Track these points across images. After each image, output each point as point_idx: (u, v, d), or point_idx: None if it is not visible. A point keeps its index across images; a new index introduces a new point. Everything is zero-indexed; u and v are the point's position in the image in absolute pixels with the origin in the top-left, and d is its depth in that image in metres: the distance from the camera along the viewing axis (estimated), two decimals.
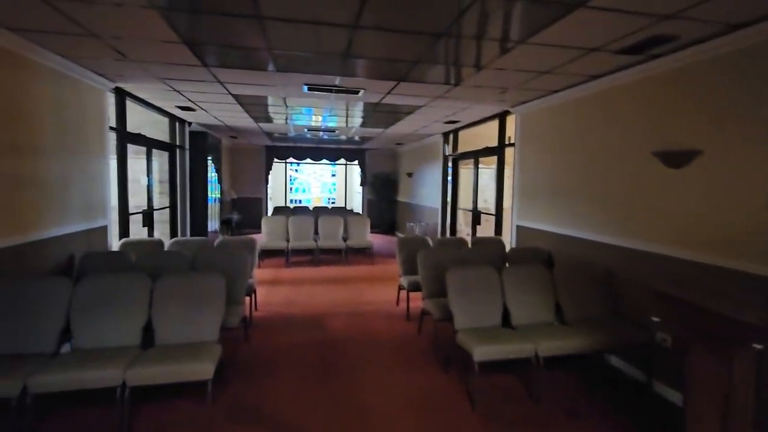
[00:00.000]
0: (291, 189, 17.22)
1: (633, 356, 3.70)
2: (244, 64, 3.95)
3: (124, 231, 5.33)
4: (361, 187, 14.02)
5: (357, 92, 4.90)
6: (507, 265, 5.13)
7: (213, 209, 9.18)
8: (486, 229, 7.19)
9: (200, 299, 3.18)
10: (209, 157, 8.67)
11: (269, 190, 14.36)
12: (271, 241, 8.08)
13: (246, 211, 12.61)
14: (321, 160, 13.25)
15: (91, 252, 4.10)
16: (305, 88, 4.76)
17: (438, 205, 9.02)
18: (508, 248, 5.55)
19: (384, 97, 5.24)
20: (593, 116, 4.22)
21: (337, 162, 14.10)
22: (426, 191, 10.02)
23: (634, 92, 3.71)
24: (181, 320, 3.10)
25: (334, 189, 17.74)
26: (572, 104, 4.53)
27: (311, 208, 11.50)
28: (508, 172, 6.15)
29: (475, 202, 7.34)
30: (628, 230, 3.76)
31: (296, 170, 17.34)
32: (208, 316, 3.14)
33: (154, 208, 6.50)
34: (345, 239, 8.59)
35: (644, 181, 3.60)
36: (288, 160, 14.19)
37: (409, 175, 11.39)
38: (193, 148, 7.91)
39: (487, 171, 8.56)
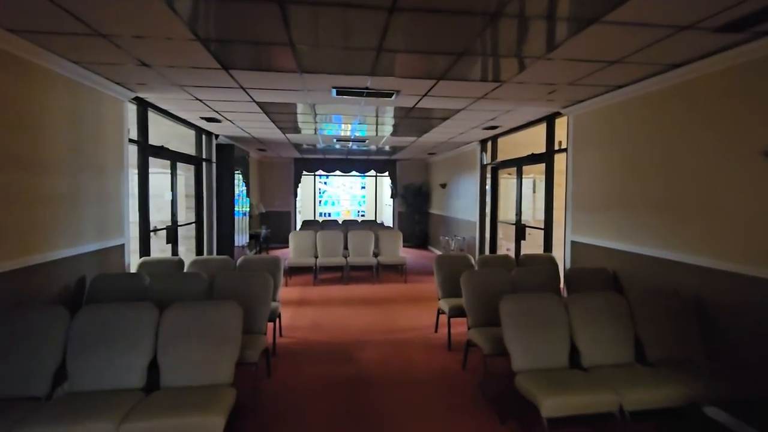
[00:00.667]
0: (320, 202, 16.98)
1: (741, 409, 2.96)
2: (266, 65, 3.56)
3: (144, 249, 5.03)
4: (391, 200, 13.55)
5: (390, 95, 4.43)
6: (564, 287, 4.47)
7: (242, 223, 8.93)
8: (531, 245, 6.52)
9: (214, 334, 2.73)
10: (237, 170, 8.43)
11: (298, 204, 14.12)
12: (299, 258, 7.68)
13: (275, 225, 12.37)
14: (350, 172, 12.89)
15: (102, 274, 3.76)
16: (334, 92, 4.33)
17: (475, 218, 8.39)
18: (561, 267, 4.88)
19: (420, 100, 4.75)
20: (670, 112, 3.56)
21: (366, 174, 13.71)
22: (461, 203, 9.42)
23: (730, 80, 3.05)
24: (190, 359, 2.65)
25: (364, 201, 17.36)
26: (640, 101, 3.88)
27: (340, 222, 11.10)
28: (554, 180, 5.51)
29: (518, 214, 6.68)
30: (722, 248, 3.06)
31: (325, 183, 17.10)
32: (221, 355, 2.69)
33: (179, 223, 6.22)
34: (376, 255, 8.10)
35: (746, 188, 2.91)
36: (317, 173, 13.93)
37: (443, 186, 10.83)
38: (219, 161, 7.67)
39: (525, 181, 7.90)
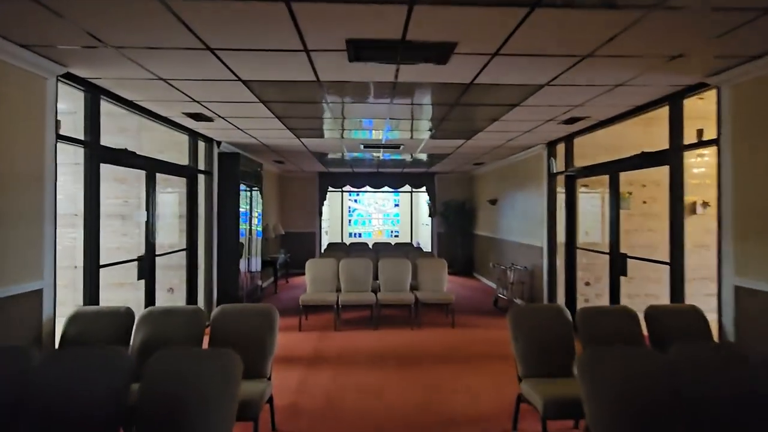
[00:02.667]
0: (350, 221, 15.49)
1: None
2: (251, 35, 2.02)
3: (91, 292, 3.57)
4: (429, 219, 11.83)
5: (444, 53, 2.77)
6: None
7: (255, 246, 7.48)
8: (636, 284, 4.61)
9: None
10: (249, 186, 7.02)
11: (324, 224, 12.67)
12: (317, 293, 6.06)
13: (297, 248, 10.88)
14: (382, 187, 11.32)
15: None
16: (348, 55, 2.76)
17: (541, 241, 6.53)
18: (711, 328, 3.01)
19: (488, 63, 3.07)
20: None
21: (400, 190, 12.09)
22: (520, 223, 7.56)
23: None
24: None
25: (398, 221, 15.71)
26: None
27: (371, 246, 9.48)
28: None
29: (615, 240, 4.80)
30: None
31: (356, 200, 15.63)
32: None
33: (160, 252, 4.79)
34: (414, 288, 6.38)
35: None
36: (344, 189, 12.44)
37: (492, 202, 9.01)
38: (222, 174, 6.27)
39: (587, 196, 6.05)
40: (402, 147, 6.76)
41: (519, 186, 7.58)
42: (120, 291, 5.01)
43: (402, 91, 3.76)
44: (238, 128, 5.38)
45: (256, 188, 7.44)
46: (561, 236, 6.23)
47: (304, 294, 5.98)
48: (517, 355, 3.05)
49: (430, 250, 11.36)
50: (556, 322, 3.07)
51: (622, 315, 3.18)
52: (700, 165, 5.28)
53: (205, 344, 3.18)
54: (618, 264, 4.70)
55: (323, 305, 5.95)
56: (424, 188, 11.32)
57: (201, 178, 6.00)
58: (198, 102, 4.14)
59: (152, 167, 4.61)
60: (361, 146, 6.72)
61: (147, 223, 4.54)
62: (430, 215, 11.49)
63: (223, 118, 4.81)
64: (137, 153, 4.30)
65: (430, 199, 11.28)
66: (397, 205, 15.72)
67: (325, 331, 5.75)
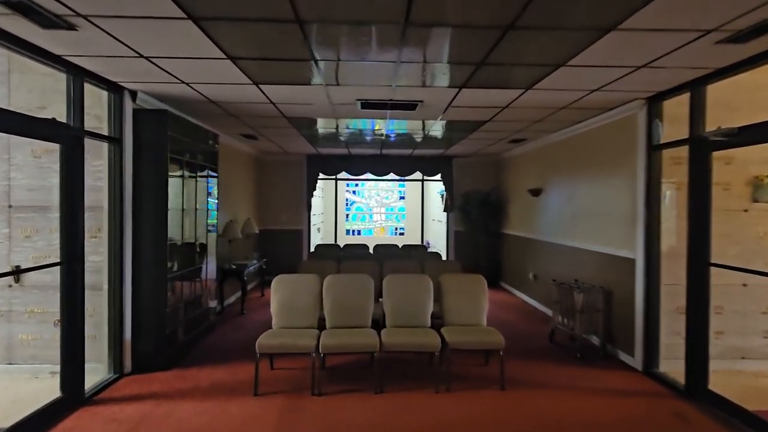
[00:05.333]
0: (347, 217, 13.25)
1: None
2: None
3: None
4: (443, 214, 9.59)
5: None
6: None
7: (206, 251, 5.28)
8: None
9: None
10: (193, 164, 4.80)
11: (315, 219, 10.45)
12: (284, 334, 3.80)
13: (278, 250, 8.67)
14: (387, 174, 9.05)
15: None
16: None
17: (633, 252, 4.29)
18: None
19: None
20: None
21: (408, 178, 9.84)
22: (588, 223, 5.31)
23: None
24: None
25: (403, 216, 13.46)
26: None
27: (371, 249, 7.25)
28: None
29: None
30: None
31: (354, 192, 13.38)
32: None
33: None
34: (436, 316, 4.16)
35: None
36: (341, 177, 10.18)
37: (534, 193, 6.75)
38: (140, 143, 4.02)
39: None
40: (420, 106, 4.48)
41: (585, 169, 5.32)
42: None
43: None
44: (157, 65, 3.12)
45: (207, 168, 5.18)
46: (669, 243, 4.02)
47: (265, 335, 3.73)
48: None
49: (444, 253, 9.12)
50: None
51: None
52: None
53: None
54: None
55: (296, 352, 3.70)
56: (438, 176, 9.05)
57: (104, 148, 3.77)
58: (82, 16, 1.90)
59: None
60: (358, 104, 4.44)
61: None
62: (445, 210, 9.23)
63: (100, 28, 2.55)
64: None
65: (446, 190, 9.01)
66: (402, 198, 13.47)
67: (297, 396, 3.53)
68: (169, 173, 4.14)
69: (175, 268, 4.33)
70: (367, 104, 4.41)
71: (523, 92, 3.94)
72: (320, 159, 8.79)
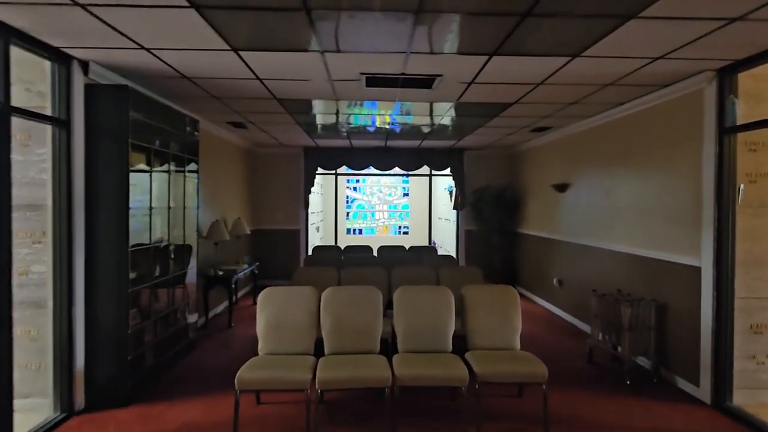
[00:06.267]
0: (347, 215, 12.51)
1: None
2: None
3: None
4: (451, 212, 8.83)
5: None
6: None
7: (185, 257, 4.53)
8: None
9: None
10: (164, 154, 4.05)
11: (313, 218, 9.72)
12: (272, 363, 3.04)
13: (274, 252, 7.94)
14: (391, 168, 8.29)
15: None
16: None
17: (700, 260, 3.54)
18: None
19: None
20: None
21: (415, 173, 9.09)
22: (630, 221, 4.55)
23: None
24: None
25: (407, 214, 12.72)
26: None
27: (375, 251, 6.50)
28: None
29: None
30: None
31: (355, 188, 12.64)
32: None
33: None
34: (458, 335, 3.40)
35: None
36: (341, 172, 9.42)
37: (561, 188, 6.00)
38: (95, 125, 3.26)
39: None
40: (438, 82, 3.71)
41: (629, 158, 4.55)
42: None
43: None
44: (98, 17, 2.36)
45: (185, 160, 4.41)
46: (742, 247, 3.29)
47: (248, 365, 2.97)
48: None
49: (453, 254, 8.38)
50: None
51: None
52: None
53: None
54: None
55: (288, 389, 2.94)
56: (448, 170, 8.29)
57: (47, 132, 3.03)
58: None
59: None
60: (363, 81, 3.66)
61: None
62: (455, 207, 8.47)
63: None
64: None
65: (456, 185, 8.25)
66: (406, 195, 12.72)
67: None
68: (133, 165, 3.39)
69: (143, 278, 3.57)
70: (374, 80, 3.64)
71: (569, 61, 3.17)
72: (319, 152, 8.03)
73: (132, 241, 3.34)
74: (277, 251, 7.97)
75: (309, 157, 8.03)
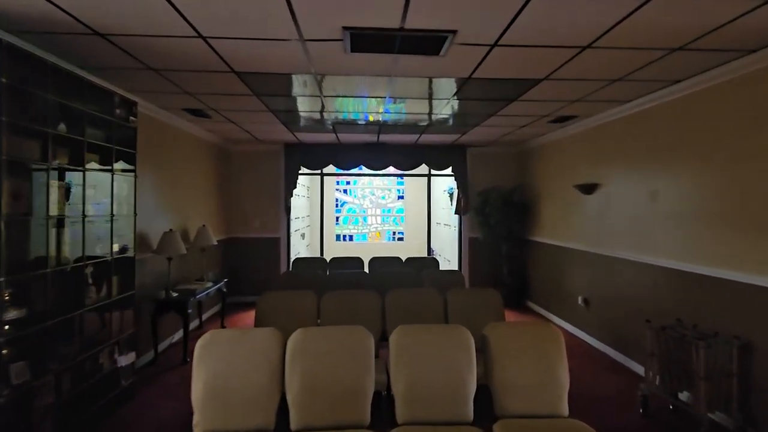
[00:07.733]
0: (337, 220, 11.50)
1: None
2: None
3: None
4: (455, 217, 7.86)
5: None
6: None
7: (100, 280, 3.48)
8: None
9: None
10: (74, 141, 3.01)
11: (296, 224, 8.71)
12: None
13: (249, 264, 6.91)
14: (385, 168, 7.29)
15: None
16: None
17: None
18: None
19: None
20: None
21: (412, 173, 8.11)
22: (690, 233, 3.59)
23: None
24: None
25: (402, 219, 11.73)
26: None
27: (366, 266, 5.48)
28: None
29: None
30: None
31: (345, 190, 11.64)
32: None
33: None
34: (481, 386, 2.41)
35: None
36: (327, 172, 8.39)
37: (587, 189, 5.04)
38: None
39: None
40: (450, 42, 2.71)
41: (688, 151, 3.59)
42: None
43: None
44: None
45: (112, 153, 3.35)
46: None
47: None
48: None
49: (455, 265, 7.39)
50: None
51: None
52: None
53: None
54: None
55: None
56: (449, 169, 7.31)
57: None
58: None
59: None
60: (347, 41, 2.66)
61: None
62: (457, 212, 7.50)
63: None
64: None
65: (458, 186, 7.28)
66: (401, 198, 11.73)
67: None
68: (11, 155, 2.35)
69: (38, 315, 2.52)
70: (361, 38, 2.64)
71: (630, 13, 2.19)
72: (301, 148, 7.01)
73: (14, 263, 2.30)
74: (253, 263, 6.93)
75: (290, 155, 7.00)
